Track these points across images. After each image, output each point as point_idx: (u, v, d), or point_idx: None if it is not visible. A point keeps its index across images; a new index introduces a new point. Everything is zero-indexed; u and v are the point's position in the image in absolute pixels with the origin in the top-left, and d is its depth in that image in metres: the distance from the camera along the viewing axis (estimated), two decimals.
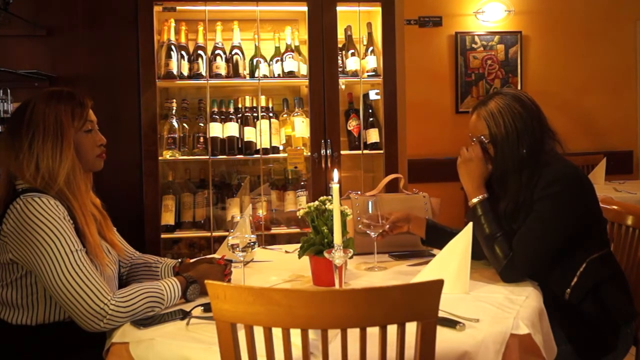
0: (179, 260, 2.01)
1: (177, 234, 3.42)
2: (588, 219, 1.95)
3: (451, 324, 1.48)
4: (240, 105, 3.54)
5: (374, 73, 3.56)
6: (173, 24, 3.44)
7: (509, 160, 1.96)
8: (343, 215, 1.83)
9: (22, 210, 1.63)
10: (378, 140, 3.57)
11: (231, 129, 3.45)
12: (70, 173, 1.73)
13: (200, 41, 3.45)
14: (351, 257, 1.66)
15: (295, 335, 1.19)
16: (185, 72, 3.41)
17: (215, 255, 2.26)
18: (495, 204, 2.01)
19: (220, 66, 3.42)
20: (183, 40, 3.46)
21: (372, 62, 3.57)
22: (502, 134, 1.96)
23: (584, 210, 1.93)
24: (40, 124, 1.72)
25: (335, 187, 1.61)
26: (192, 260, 2.01)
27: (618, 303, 1.95)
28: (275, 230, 3.47)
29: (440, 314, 1.26)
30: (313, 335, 1.30)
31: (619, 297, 1.97)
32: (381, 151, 3.52)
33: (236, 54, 3.47)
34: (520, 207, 1.96)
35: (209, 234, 3.40)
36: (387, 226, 2.10)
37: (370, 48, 3.59)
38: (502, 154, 1.98)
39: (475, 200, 2.01)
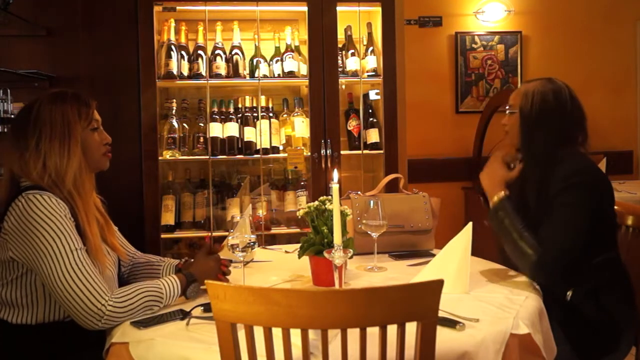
0: (183, 259, 2.01)
1: (177, 234, 3.42)
2: (601, 218, 1.94)
3: (451, 324, 1.48)
4: (240, 105, 3.54)
5: (374, 73, 3.56)
6: (173, 24, 3.44)
7: (526, 138, 2.03)
8: (343, 215, 1.83)
9: (23, 208, 1.63)
10: (378, 140, 3.57)
11: (231, 129, 3.44)
12: (77, 171, 1.74)
13: (200, 41, 3.45)
14: (351, 257, 1.65)
15: (295, 335, 1.19)
16: (185, 72, 3.41)
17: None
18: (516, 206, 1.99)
19: (220, 66, 3.42)
20: (183, 40, 3.45)
21: (372, 62, 3.57)
22: (528, 109, 2.03)
23: (600, 204, 1.93)
24: (47, 123, 1.73)
25: (335, 187, 1.61)
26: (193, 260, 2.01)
27: (620, 305, 1.95)
28: (275, 230, 3.47)
29: (440, 314, 1.26)
30: (313, 335, 1.30)
31: (621, 300, 1.96)
32: (381, 151, 3.52)
33: (236, 54, 3.47)
34: (541, 199, 1.95)
35: (209, 234, 3.40)
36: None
37: (370, 48, 3.59)
38: (524, 130, 2.04)
39: (495, 198, 1.99)
